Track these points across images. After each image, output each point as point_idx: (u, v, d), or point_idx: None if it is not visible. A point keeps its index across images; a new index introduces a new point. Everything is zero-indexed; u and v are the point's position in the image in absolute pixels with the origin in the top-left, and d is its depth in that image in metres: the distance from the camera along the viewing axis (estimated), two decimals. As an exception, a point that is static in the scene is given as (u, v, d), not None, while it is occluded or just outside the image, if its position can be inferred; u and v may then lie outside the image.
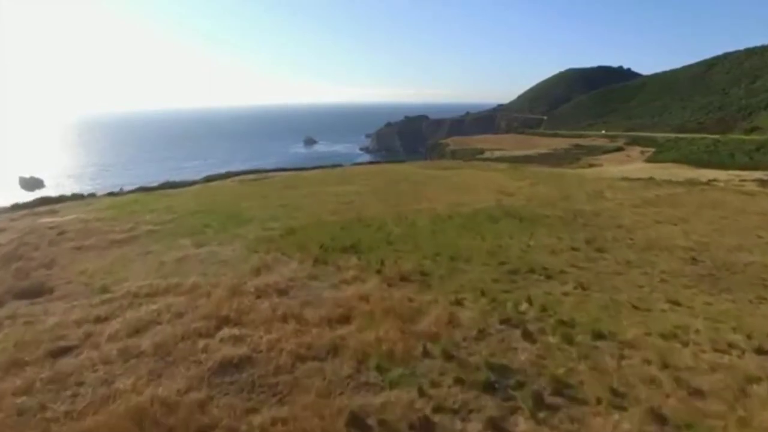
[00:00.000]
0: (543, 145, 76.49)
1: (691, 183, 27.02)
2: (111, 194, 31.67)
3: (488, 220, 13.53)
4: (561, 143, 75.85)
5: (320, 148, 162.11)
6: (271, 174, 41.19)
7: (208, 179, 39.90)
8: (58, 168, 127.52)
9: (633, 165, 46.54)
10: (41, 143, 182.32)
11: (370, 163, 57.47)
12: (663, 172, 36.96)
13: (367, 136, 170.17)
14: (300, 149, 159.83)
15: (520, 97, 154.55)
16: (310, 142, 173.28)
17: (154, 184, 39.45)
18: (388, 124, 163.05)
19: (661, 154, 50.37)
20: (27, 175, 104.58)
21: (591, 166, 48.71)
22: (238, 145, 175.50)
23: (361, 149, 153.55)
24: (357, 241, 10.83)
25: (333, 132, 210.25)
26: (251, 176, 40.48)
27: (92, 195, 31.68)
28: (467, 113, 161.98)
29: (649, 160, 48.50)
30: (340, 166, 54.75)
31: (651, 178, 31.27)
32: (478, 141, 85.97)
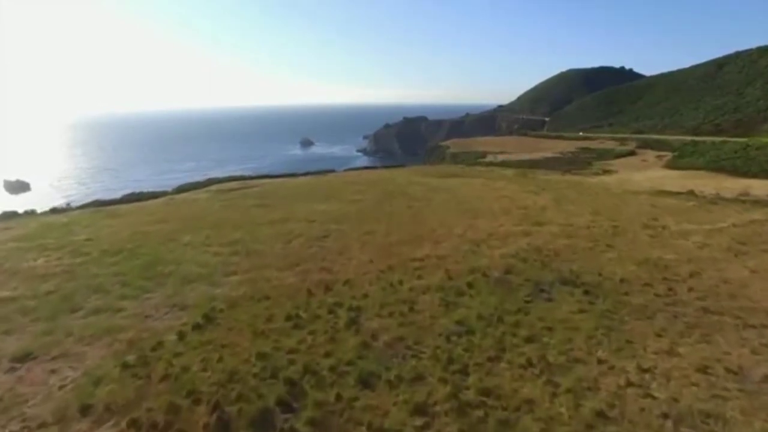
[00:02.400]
0: (548, 147, 71.05)
1: (755, 202, 21.46)
2: (54, 211, 25.98)
3: (535, 293, 8.00)
4: (567, 146, 70.39)
5: (317, 149, 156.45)
6: (253, 183, 35.58)
7: (180, 189, 34.31)
8: (48, 171, 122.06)
9: (654, 172, 41.00)
10: (35, 145, 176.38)
11: (365, 168, 51.72)
12: (697, 182, 31.43)
13: (365, 137, 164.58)
14: (297, 151, 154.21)
15: (520, 98, 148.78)
16: (307, 143, 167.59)
17: (120, 194, 34.25)
18: (387, 126, 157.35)
19: (682, 159, 44.77)
20: (13, 178, 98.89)
21: (606, 172, 43.11)
22: (235, 146, 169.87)
23: (359, 151, 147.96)
24: (299, 377, 5.30)
25: (330, 133, 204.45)
26: (232, 184, 34.96)
27: (31, 212, 25.98)
28: (467, 114, 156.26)
29: (670, 167, 42.90)
30: (332, 171, 49.14)
31: (691, 192, 25.75)
32: (480, 143, 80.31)
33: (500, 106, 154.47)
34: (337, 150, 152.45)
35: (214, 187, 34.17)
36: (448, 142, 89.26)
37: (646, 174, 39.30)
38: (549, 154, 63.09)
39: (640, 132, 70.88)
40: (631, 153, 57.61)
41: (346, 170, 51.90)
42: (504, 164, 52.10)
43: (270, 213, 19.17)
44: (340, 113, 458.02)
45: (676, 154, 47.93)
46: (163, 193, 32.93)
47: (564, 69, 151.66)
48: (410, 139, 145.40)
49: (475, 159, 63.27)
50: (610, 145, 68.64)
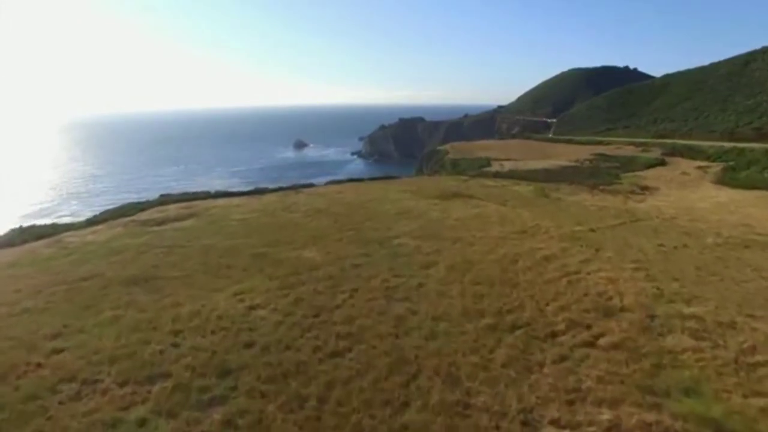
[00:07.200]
0: (558, 153, 61.28)
1: None
2: None
3: None
4: (580, 152, 60.66)
5: (310, 152, 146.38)
6: (199, 208, 25.57)
7: (95, 221, 24.55)
8: (22, 174, 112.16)
9: (711, 191, 31.24)
10: (18, 149, 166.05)
11: (351, 180, 41.45)
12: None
13: (360, 139, 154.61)
14: (289, 153, 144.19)
15: (520, 99, 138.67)
16: (300, 145, 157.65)
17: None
18: (382, 127, 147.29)
19: (738, 172, 35.11)
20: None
21: (645, 189, 33.31)
22: (228, 148, 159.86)
23: (353, 153, 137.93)
24: None
25: (325, 135, 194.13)
26: (171, 209, 25.25)
27: None
28: (465, 115, 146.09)
29: (727, 183, 33.09)
30: (309, 186, 39.09)
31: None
32: (481, 147, 70.42)
33: (500, 107, 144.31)
34: (331, 152, 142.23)
35: (144, 215, 24.66)
36: (447, 147, 79.44)
37: (706, 195, 29.54)
38: (563, 162, 53.22)
39: (663, 136, 61.12)
40: (661, 162, 47.73)
41: (327, 183, 41.50)
42: (513, 175, 42.22)
43: (121, 323, 9.44)
44: (336, 114, 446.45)
45: (730, 164, 38.14)
46: (69, 226, 23.33)
47: (564, 69, 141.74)
48: (407, 140, 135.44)
49: (479, 167, 53.23)
50: (629, 151, 58.84)
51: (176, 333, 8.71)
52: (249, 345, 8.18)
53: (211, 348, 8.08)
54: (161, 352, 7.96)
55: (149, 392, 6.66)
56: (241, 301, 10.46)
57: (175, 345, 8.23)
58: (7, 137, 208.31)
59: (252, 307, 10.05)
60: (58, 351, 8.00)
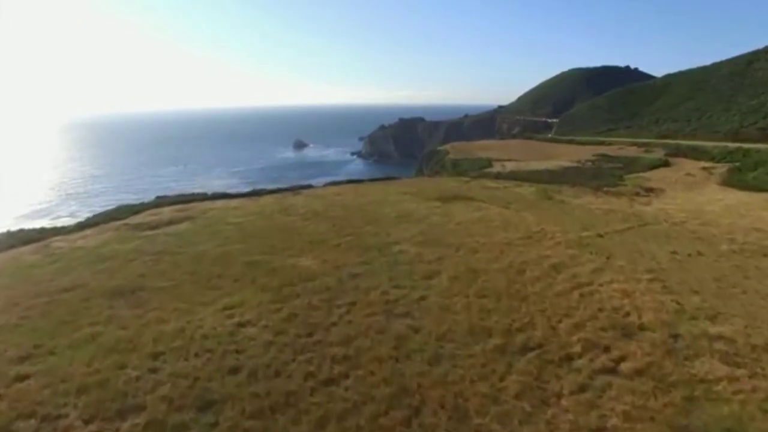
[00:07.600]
0: (560, 154, 60.45)
1: None
2: None
3: None
4: (581, 152, 59.81)
5: (310, 152, 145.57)
6: (194, 210, 24.76)
7: (86, 225, 23.71)
8: (21, 174, 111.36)
9: (719, 193, 30.40)
10: (18, 147, 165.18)
11: (350, 182, 40.65)
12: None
13: (360, 139, 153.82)
14: (289, 153, 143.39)
15: (520, 99, 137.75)
16: (299, 145, 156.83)
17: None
18: (382, 127, 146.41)
19: (745, 174, 34.28)
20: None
21: (650, 191, 32.47)
22: (228, 148, 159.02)
23: (353, 154, 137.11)
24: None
25: (325, 135, 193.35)
26: (165, 212, 24.39)
27: None
28: (465, 115, 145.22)
29: (733, 185, 32.24)
30: (308, 187, 38.25)
31: None
32: (482, 148, 69.58)
33: (500, 107, 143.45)
34: (331, 153, 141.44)
35: (137, 218, 23.79)
36: (447, 147, 78.63)
37: (713, 197, 28.69)
38: (565, 163, 52.35)
39: (666, 136, 60.30)
40: (665, 163, 46.82)
41: (326, 184, 40.70)
42: (515, 176, 41.34)
43: (98, 342, 8.66)
44: (336, 114, 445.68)
45: (736, 165, 37.31)
46: (59, 230, 22.48)
47: (564, 69, 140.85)
48: (407, 140, 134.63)
49: (480, 168, 52.34)
50: (632, 151, 58.04)
51: (156, 356, 7.91)
52: (235, 370, 7.39)
53: (192, 374, 7.29)
54: (137, 378, 7.17)
55: (117, 430, 5.86)
56: (230, 316, 9.66)
57: (154, 370, 7.44)
58: (7, 137, 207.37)
59: (241, 324, 9.26)
60: (22, 378, 7.21)
